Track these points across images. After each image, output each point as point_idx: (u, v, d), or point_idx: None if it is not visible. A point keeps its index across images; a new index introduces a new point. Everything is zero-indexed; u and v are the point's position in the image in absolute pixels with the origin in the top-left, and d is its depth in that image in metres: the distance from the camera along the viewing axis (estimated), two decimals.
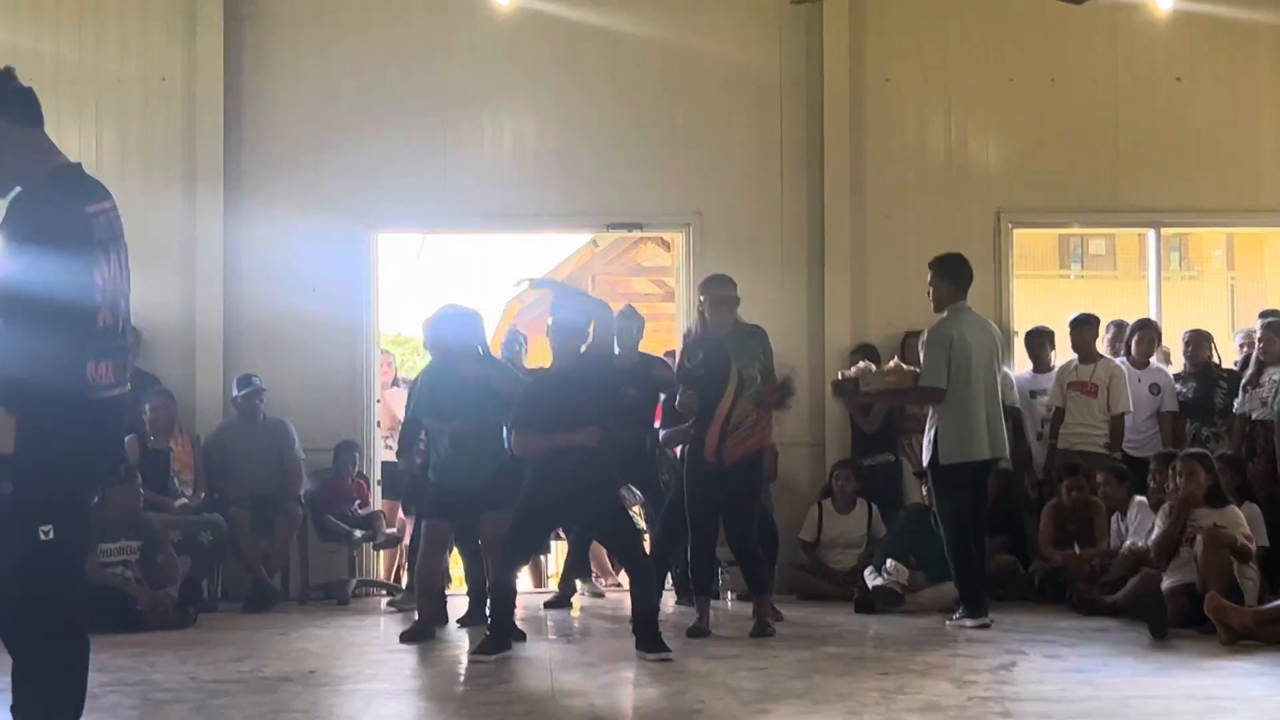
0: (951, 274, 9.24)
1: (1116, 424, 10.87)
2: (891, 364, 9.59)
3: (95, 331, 4.40)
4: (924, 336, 9.30)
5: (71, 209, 4.46)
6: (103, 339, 4.42)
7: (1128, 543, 9.52)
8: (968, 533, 8.96)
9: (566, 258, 17.05)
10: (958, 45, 11.76)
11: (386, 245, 12.07)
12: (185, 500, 10.42)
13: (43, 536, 4.33)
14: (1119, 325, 11.59)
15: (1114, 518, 9.95)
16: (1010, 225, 11.78)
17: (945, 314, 9.18)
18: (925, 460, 9.10)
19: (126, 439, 10.20)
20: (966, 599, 8.89)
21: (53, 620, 4.38)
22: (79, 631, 4.48)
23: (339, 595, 10.75)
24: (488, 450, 8.47)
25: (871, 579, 9.86)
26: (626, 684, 7.17)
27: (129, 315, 4.60)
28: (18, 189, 4.52)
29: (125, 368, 4.55)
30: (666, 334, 13.33)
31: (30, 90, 4.64)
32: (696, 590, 8.83)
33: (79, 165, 4.68)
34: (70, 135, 11.37)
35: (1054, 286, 21.00)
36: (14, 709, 4.44)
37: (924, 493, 10.33)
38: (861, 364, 9.64)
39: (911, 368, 9.34)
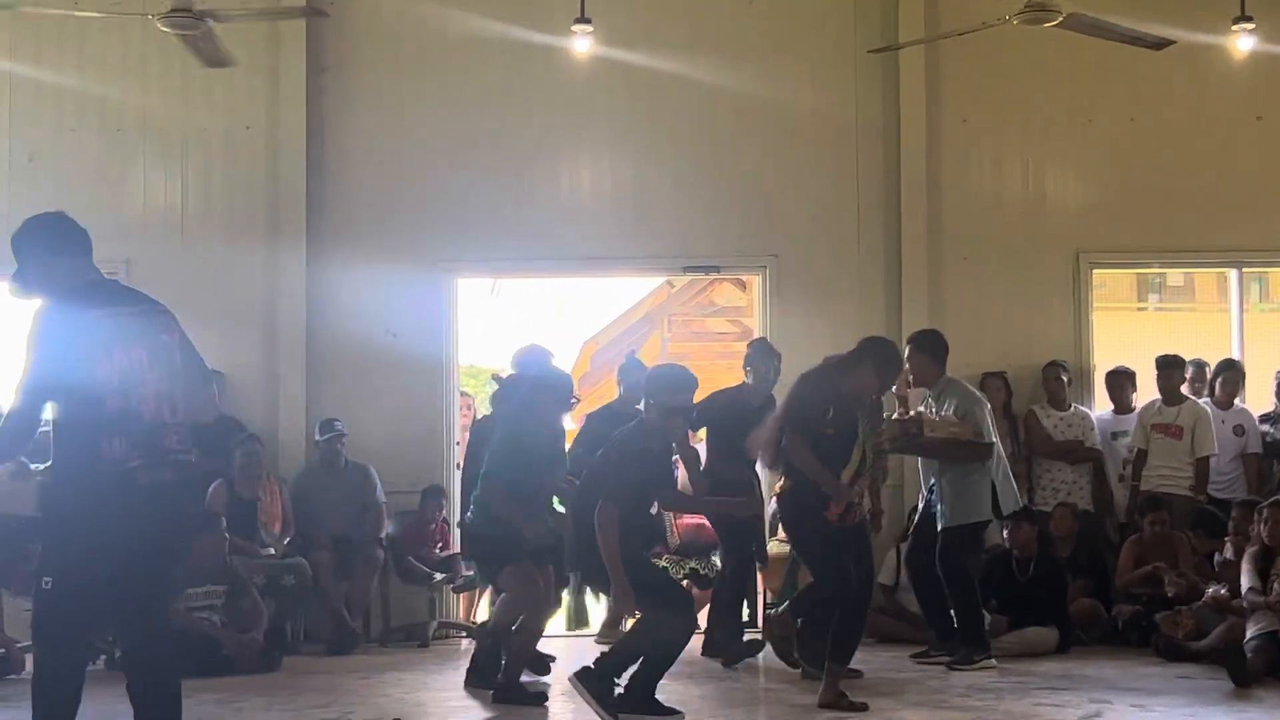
0: (932, 349, 9.44)
1: (1201, 466, 10.78)
2: (944, 414, 9.49)
3: (104, 414, 5.19)
4: (956, 401, 9.27)
5: (75, 316, 5.31)
6: (115, 421, 5.21)
7: (1210, 590, 9.42)
8: (975, 588, 9.20)
9: (643, 298, 17.10)
10: (1035, 87, 11.73)
11: (465, 288, 12.17)
12: (271, 552, 10.50)
13: (44, 586, 5.23)
14: (1198, 365, 11.49)
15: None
16: (1089, 265, 11.72)
17: (947, 383, 9.37)
18: (946, 522, 9.11)
19: (213, 486, 10.37)
20: (973, 641, 9.01)
21: (46, 656, 5.37)
22: (70, 667, 5.47)
23: (419, 637, 10.82)
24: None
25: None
26: None
27: (158, 400, 5.38)
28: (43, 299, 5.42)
29: (153, 444, 5.29)
30: (740, 374, 13.30)
31: (81, 229, 5.82)
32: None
33: (107, 280, 5.73)
34: (157, 184, 11.63)
35: (1131, 319, 20.75)
36: None
37: (1004, 536, 10.28)
38: (921, 408, 9.60)
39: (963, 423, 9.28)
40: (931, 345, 9.50)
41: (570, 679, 7.12)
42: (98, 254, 11.55)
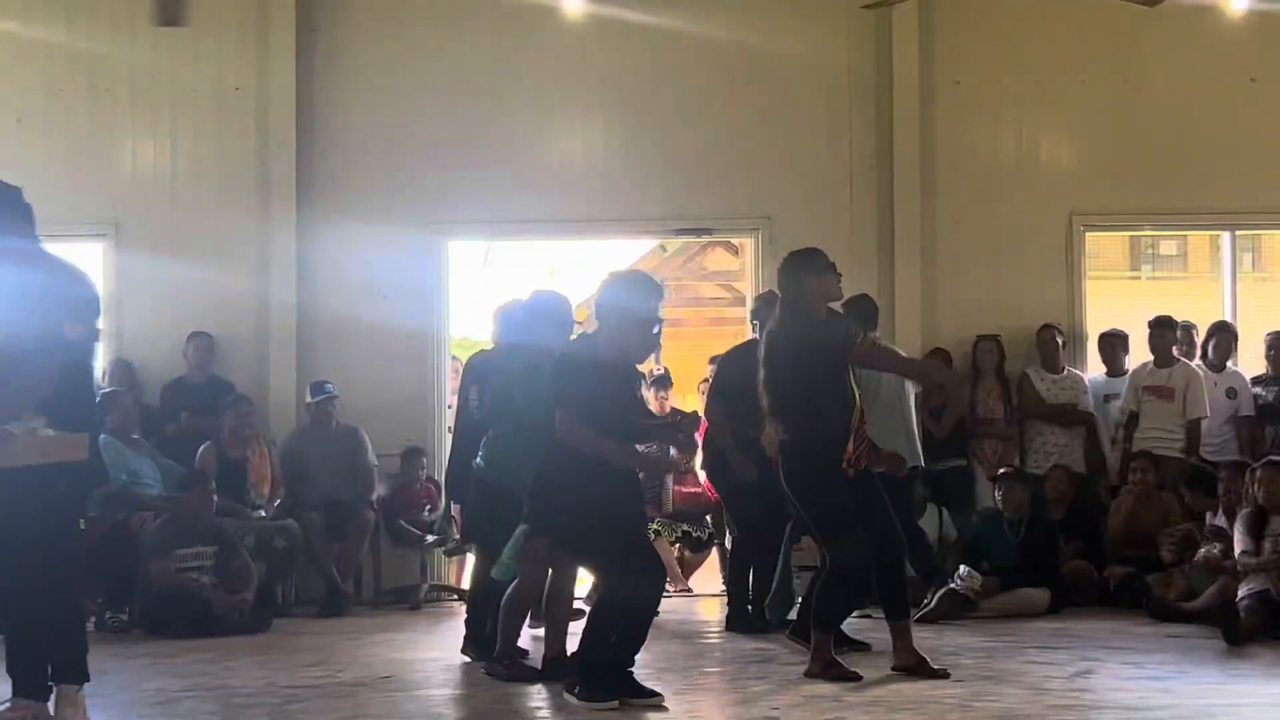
0: (861, 314, 9.25)
1: (1193, 429, 10.78)
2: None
3: None
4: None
5: None
6: None
7: (1202, 551, 9.42)
8: None
9: (634, 263, 17.04)
10: (1029, 47, 11.68)
11: (456, 252, 12.12)
12: (262, 514, 10.48)
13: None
14: (1186, 329, 11.45)
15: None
16: (1083, 228, 11.69)
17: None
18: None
19: (202, 448, 10.33)
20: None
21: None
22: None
23: (411, 600, 10.81)
24: None
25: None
26: (703, 690, 7.16)
27: None
28: None
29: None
30: (735, 339, 13.28)
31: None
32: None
33: None
34: (146, 146, 11.58)
35: (1125, 288, 20.76)
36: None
37: (996, 497, 10.28)
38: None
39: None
40: (852, 309, 9.42)
41: (565, 693, 6.51)
42: (88, 216, 11.59)
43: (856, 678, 7.06)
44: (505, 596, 7.34)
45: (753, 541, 9.33)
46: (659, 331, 6.62)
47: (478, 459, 7.83)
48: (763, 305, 9.70)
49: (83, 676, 5.84)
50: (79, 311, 5.83)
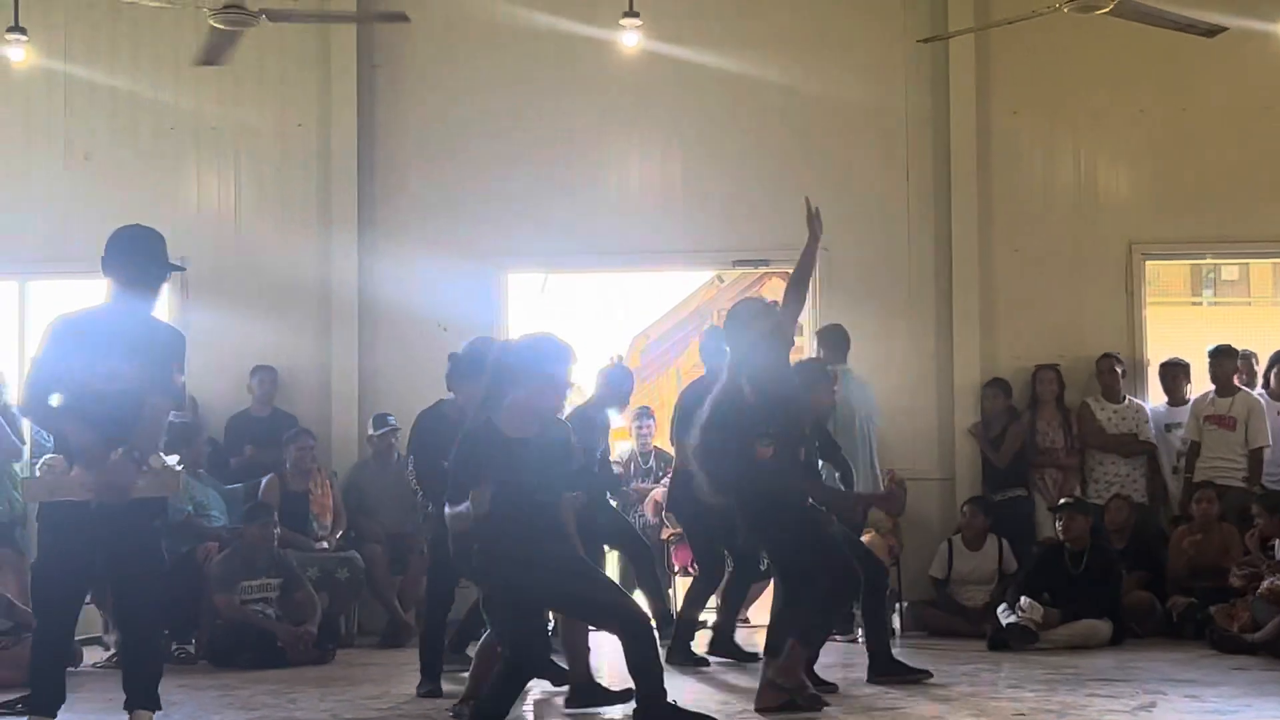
0: (832, 344, 9.34)
1: (1255, 458, 10.72)
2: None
3: None
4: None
5: None
6: None
7: (1266, 582, 9.35)
8: None
9: (691, 294, 17.11)
10: (1086, 77, 11.66)
11: (515, 283, 12.22)
12: (324, 546, 10.59)
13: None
14: (1245, 357, 11.37)
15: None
16: (1142, 257, 11.63)
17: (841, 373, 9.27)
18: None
19: (265, 479, 10.45)
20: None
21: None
22: None
23: (472, 632, 10.85)
24: None
25: (1005, 616, 9.77)
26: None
27: None
28: None
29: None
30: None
31: None
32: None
33: None
34: (210, 181, 11.76)
35: (1185, 314, 20.61)
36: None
37: (1057, 527, 10.25)
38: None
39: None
40: (823, 339, 9.44)
41: None
42: None
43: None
44: (480, 643, 7.25)
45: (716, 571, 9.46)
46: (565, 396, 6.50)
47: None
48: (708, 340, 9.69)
49: (156, 703, 6.12)
50: (179, 357, 6.28)
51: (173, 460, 6.30)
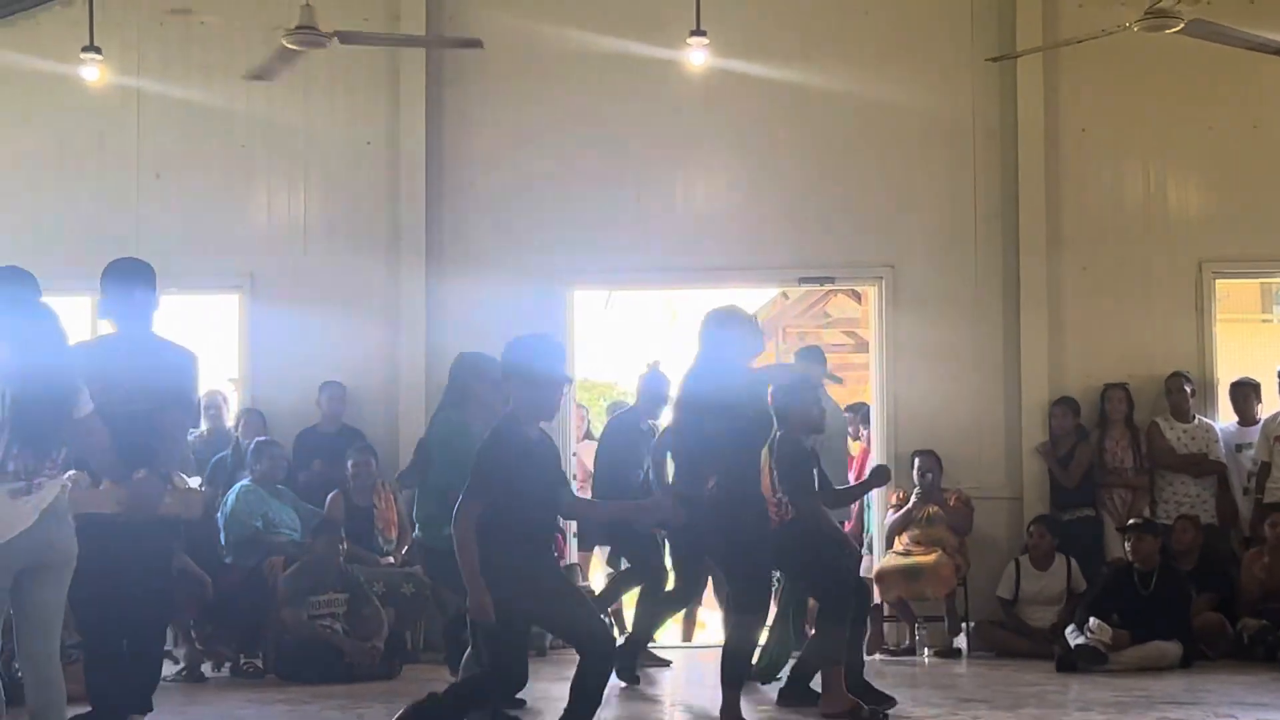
0: (812, 363, 9.42)
1: None
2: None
3: None
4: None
5: None
6: None
7: None
8: None
9: (757, 309, 17.08)
10: (1155, 94, 11.57)
11: (581, 300, 12.25)
12: (390, 560, 10.65)
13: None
14: None
15: None
16: (1212, 275, 11.52)
17: None
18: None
19: (330, 496, 10.54)
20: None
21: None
22: None
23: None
24: None
25: (1074, 637, 9.70)
26: None
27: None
28: None
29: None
30: (856, 385, 13.29)
31: None
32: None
33: None
34: (280, 198, 11.87)
35: (1255, 331, 20.40)
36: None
37: (1125, 548, 10.16)
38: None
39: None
40: (809, 357, 9.71)
41: None
42: (224, 268, 11.98)
43: None
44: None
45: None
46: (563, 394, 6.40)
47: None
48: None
49: (149, 707, 6.55)
50: (192, 377, 6.58)
51: (194, 482, 6.53)
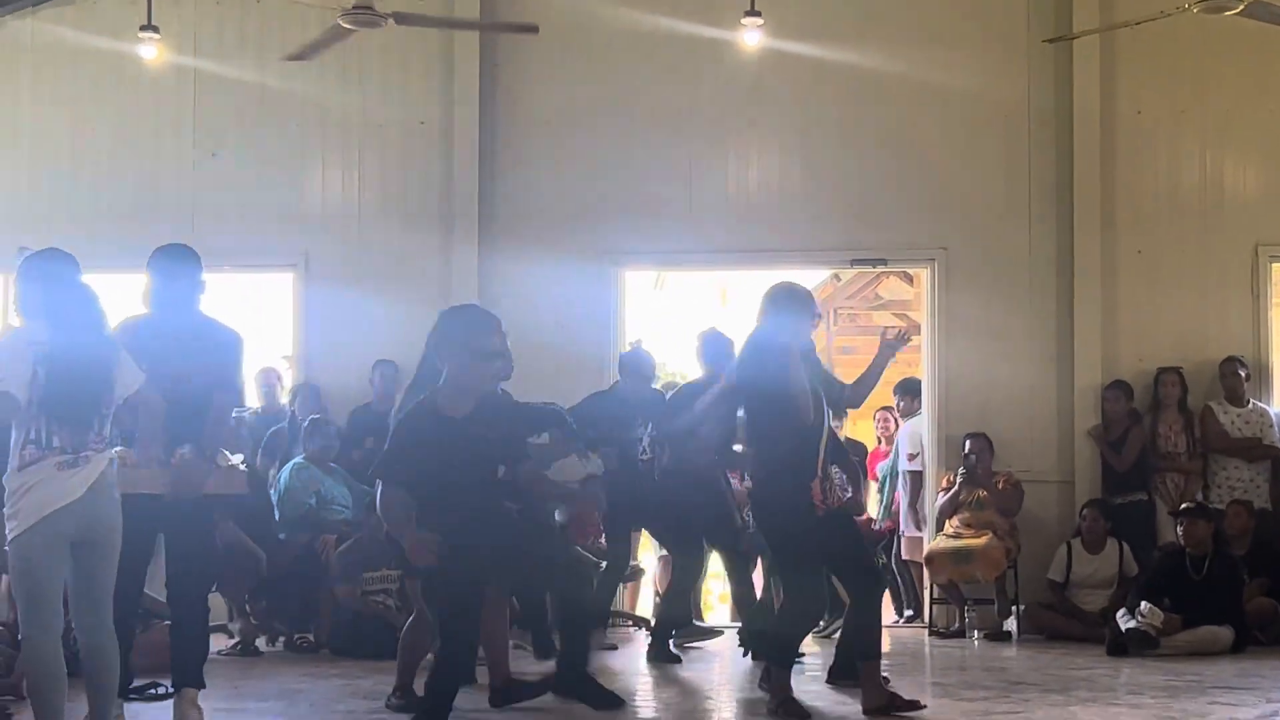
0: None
1: None
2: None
3: None
4: None
5: None
6: None
7: None
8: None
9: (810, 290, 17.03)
10: (1213, 76, 11.48)
11: (631, 280, 12.27)
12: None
13: None
14: None
15: None
16: (1269, 259, 11.43)
17: None
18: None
19: None
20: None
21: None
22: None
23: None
24: None
25: (1125, 621, 9.67)
26: None
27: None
28: None
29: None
30: (906, 368, 13.25)
31: None
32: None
33: None
34: (334, 177, 11.95)
35: None
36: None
37: (1178, 532, 10.12)
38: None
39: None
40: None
41: None
42: (279, 247, 12.07)
43: (807, 716, 6.87)
44: (404, 629, 7.49)
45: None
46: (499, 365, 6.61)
47: None
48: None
49: (202, 682, 6.56)
50: (238, 357, 6.66)
51: (238, 459, 6.69)
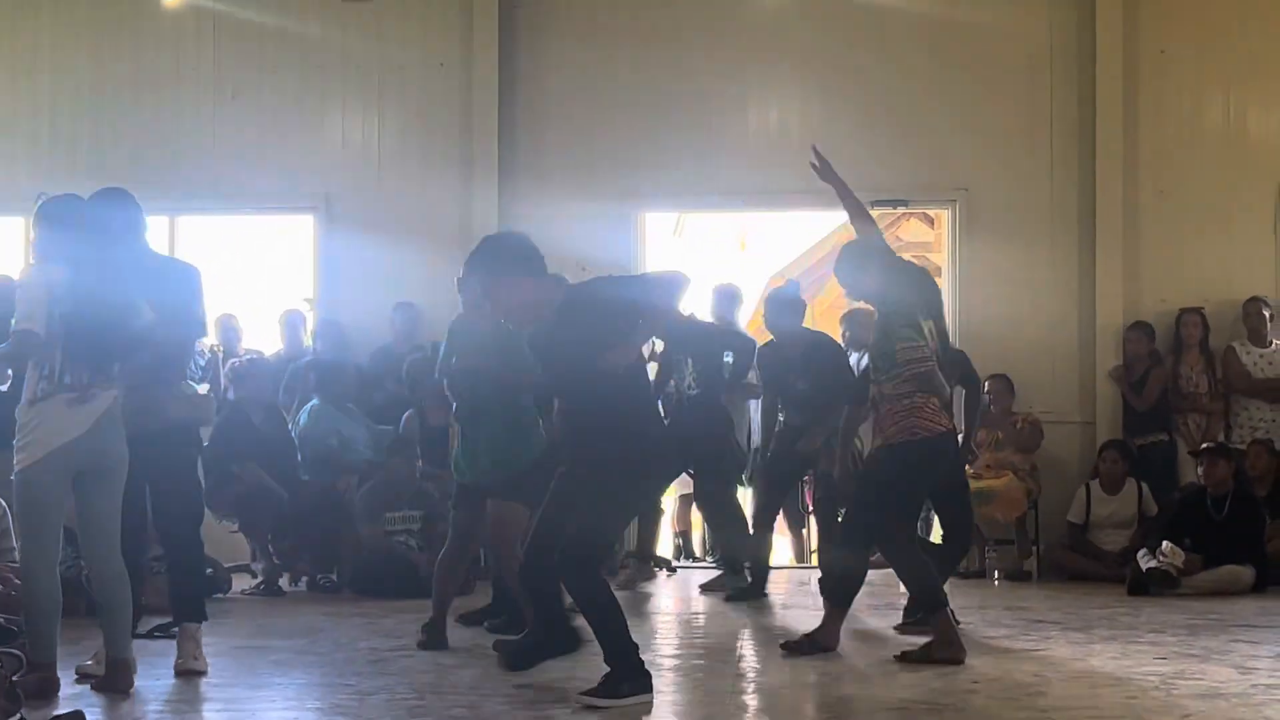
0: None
1: None
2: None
3: None
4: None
5: None
6: None
7: None
8: None
9: (827, 234, 17.01)
10: (1237, 15, 11.41)
11: (651, 223, 12.25)
12: None
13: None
14: None
15: None
16: None
17: None
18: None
19: (406, 414, 10.63)
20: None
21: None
22: None
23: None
24: None
25: (1145, 561, 9.69)
26: (878, 668, 7.16)
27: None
28: None
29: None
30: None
31: None
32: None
33: None
34: (354, 120, 11.94)
35: None
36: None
37: (1199, 472, 10.12)
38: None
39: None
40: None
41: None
42: (299, 189, 12.06)
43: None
44: (439, 562, 7.62)
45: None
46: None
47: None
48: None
49: (203, 615, 6.58)
50: (196, 289, 6.68)
51: (203, 389, 6.94)
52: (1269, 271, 11.29)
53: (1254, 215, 11.35)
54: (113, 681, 5.99)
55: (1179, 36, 11.44)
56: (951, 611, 7.06)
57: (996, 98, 11.52)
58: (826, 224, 16.77)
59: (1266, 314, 11.02)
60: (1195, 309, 11.09)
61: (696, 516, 11.67)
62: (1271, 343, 11.04)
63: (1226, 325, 11.20)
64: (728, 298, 10.52)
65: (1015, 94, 11.49)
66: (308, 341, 11.63)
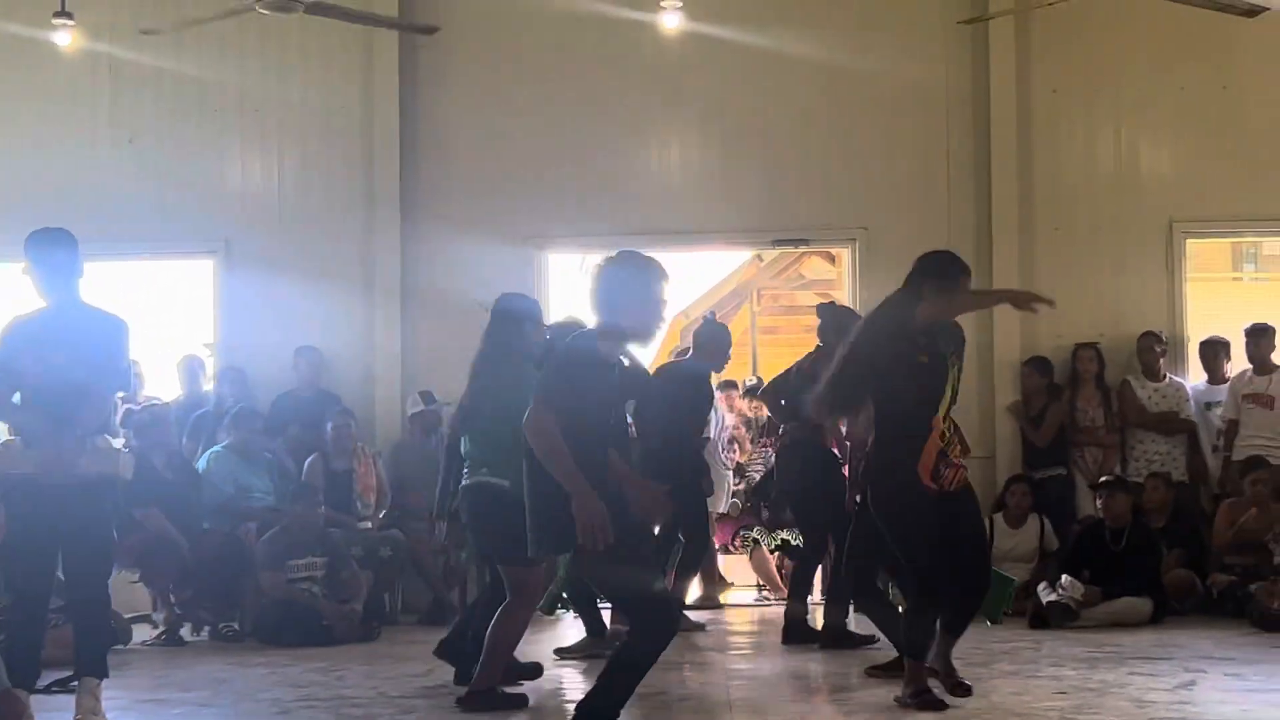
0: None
1: None
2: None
3: None
4: None
5: None
6: None
7: None
8: None
9: (732, 272, 17.13)
10: (1126, 55, 11.65)
11: (555, 263, 12.27)
12: (368, 525, 10.68)
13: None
14: None
15: None
16: (1183, 235, 11.62)
17: None
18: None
19: (309, 460, 10.56)
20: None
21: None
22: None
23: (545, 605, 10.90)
24: None
25: (1046, 594, 9.80)
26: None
27: None
28: None
29: None
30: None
31: None
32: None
33: None
34: (254, 164, 11.86)
35: (1226, 289, 20.48)
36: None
37: (1097, 506, 10.26)
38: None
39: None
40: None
41: None
42: (198, 234, 11.94)
43: (943, 707, 6.64)
44: (495, 624, 7.03)
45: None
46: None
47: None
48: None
49: (105, 671, 6.52)
50: (120, 344, 6.59)
51: (118, 443, 6.84)
52: (1162, 306, 11.50)
53: (1147, 251, 11.57)
54: None
55: (1070, 77, 11.66)
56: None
57: (894, 138, 11.67)
58: (730, 263, 16.92)
59: (1159, 349, 11.22)
60: (1090, 344, 11.27)
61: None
62: (1165, 376, 11.23)
63: (1122, 360, 11.39)
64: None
65: (912, 135, 11.65)
66: (207, 387, 11.52)
